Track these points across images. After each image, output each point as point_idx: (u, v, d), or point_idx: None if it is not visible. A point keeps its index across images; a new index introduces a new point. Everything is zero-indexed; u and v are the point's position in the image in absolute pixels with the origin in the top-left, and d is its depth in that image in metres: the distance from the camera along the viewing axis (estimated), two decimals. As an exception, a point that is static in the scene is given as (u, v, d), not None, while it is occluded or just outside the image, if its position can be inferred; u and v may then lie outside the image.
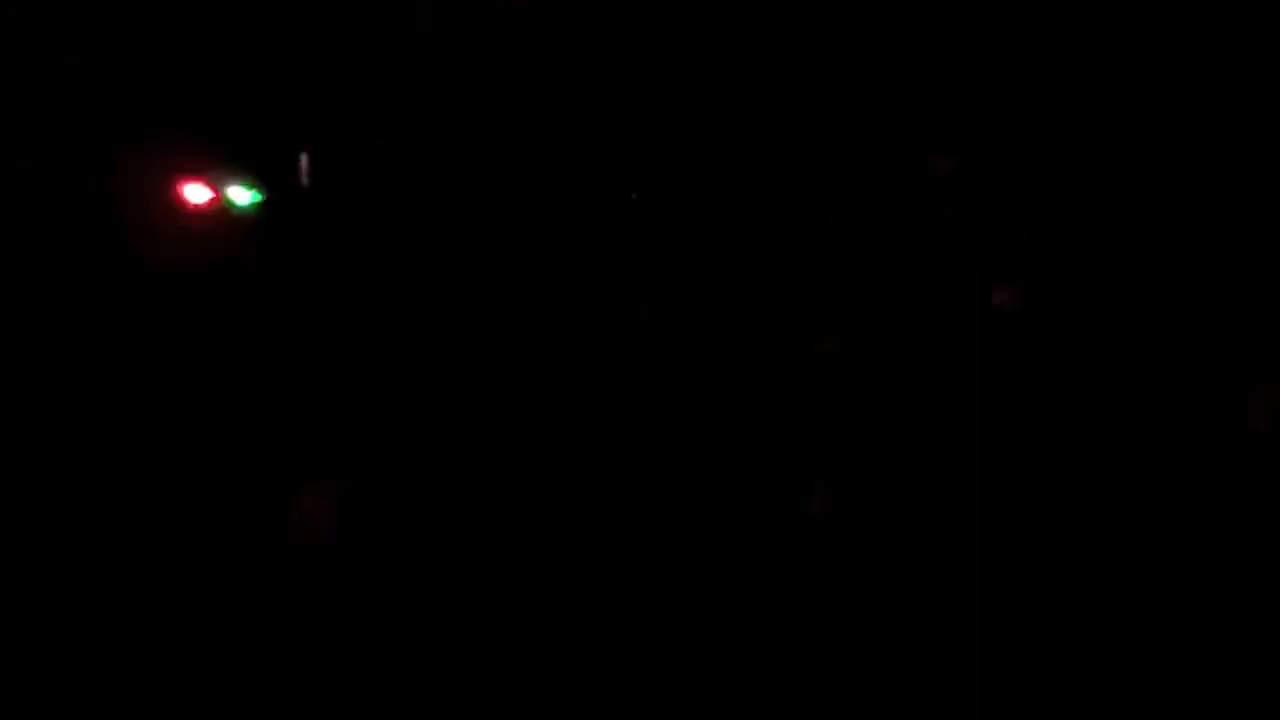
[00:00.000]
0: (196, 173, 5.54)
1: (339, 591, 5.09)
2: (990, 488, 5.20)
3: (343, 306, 5.56)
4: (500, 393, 5.52)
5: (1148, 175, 5.35)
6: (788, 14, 5.58)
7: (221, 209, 5.55)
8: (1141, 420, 5.18)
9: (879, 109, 5.53)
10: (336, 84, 5.61)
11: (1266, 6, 5.33)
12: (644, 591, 5.16)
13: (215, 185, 5.56)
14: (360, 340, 5.54)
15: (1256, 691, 4.59)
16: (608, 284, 5.58)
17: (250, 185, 5.56)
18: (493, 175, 5.62)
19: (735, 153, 5.64)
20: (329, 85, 5.61)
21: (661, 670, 4.89)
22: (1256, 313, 5.23)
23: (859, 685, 4.86)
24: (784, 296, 5.55)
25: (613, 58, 5.60)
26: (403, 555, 5.20)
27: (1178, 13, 5.36)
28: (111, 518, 5.25)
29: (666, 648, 4.96)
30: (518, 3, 5.61)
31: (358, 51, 5.62)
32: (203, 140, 5.54)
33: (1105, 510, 5.15)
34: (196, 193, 5.54)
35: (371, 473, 5.38)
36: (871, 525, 5.26)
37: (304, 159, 5.56)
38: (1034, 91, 5.41)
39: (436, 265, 5.56)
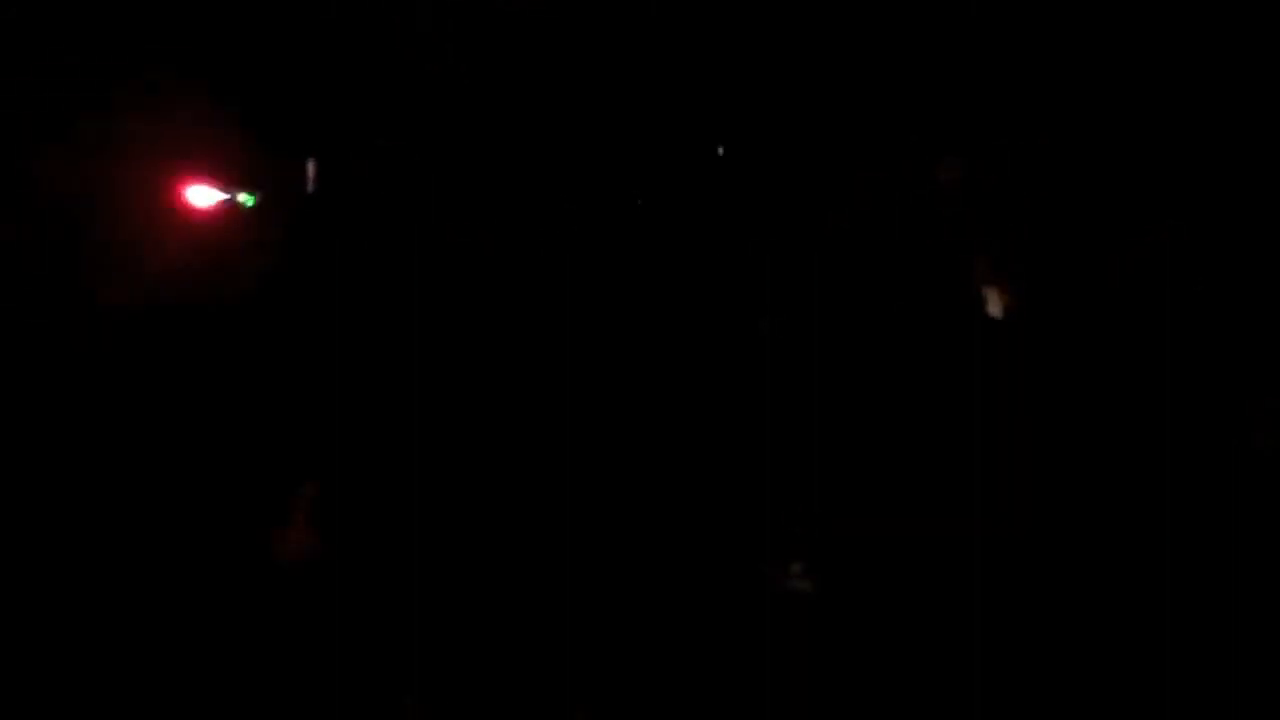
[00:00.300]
0: (196, 174, 5.54)
1: (338, 594, 5.10)
2: (990, 488, 5.21)
3: (342, 307, 5.56)
4: (500, 393, 5.52)
5: (1148, 175, 5.35)
6: (788, 14, 5.58)
7: (222, 210, 5.56)
8: (1142, 421, 5.19)
9: (879, 109, 5.53)
10: (336, 84, 5.61)
11: (1266, 6, 5.33)
12: (645, 594, 5.17)
13: (215, 187, 5.56)
14: (360, 340, 5.55)
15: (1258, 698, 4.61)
16: (607, 284, 5.59)
17: (251, 187, 5.57)
18: (493, 176, 5.63)
19: (735, 152, 5.64)
20: (329, 85, 5.61)
21: (661, 672, 4.91)
22: (1258, 313, 5.24)
23: (857, 686, 4.88)
24: (783, 295, 5.56)
25: (613, 58, 5.60)
26: (402, 559, 5.21)
27: (1177, 13, 5.36)
28: (111, 520, 5.26)
29: (667, 650, 4.98)
30: (518, 3, 5.61)
31: (358, 52, 5.62)
32: (202, 141, 5.54)
33: (1105, 510, 5.16)
34: (197, 194, 5.54)
35: (371, 476, 5.39)
36: (869, 525, 5.27)
37: (310, 163, 5.57)
38: (1034, 92, 5.41)
39: (436, 265, 5.56)
